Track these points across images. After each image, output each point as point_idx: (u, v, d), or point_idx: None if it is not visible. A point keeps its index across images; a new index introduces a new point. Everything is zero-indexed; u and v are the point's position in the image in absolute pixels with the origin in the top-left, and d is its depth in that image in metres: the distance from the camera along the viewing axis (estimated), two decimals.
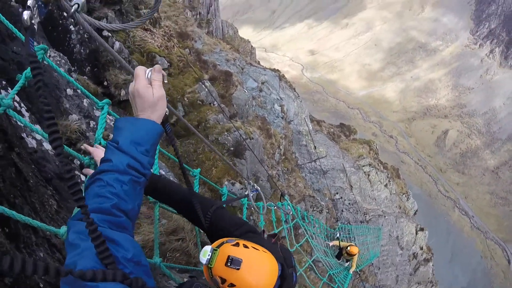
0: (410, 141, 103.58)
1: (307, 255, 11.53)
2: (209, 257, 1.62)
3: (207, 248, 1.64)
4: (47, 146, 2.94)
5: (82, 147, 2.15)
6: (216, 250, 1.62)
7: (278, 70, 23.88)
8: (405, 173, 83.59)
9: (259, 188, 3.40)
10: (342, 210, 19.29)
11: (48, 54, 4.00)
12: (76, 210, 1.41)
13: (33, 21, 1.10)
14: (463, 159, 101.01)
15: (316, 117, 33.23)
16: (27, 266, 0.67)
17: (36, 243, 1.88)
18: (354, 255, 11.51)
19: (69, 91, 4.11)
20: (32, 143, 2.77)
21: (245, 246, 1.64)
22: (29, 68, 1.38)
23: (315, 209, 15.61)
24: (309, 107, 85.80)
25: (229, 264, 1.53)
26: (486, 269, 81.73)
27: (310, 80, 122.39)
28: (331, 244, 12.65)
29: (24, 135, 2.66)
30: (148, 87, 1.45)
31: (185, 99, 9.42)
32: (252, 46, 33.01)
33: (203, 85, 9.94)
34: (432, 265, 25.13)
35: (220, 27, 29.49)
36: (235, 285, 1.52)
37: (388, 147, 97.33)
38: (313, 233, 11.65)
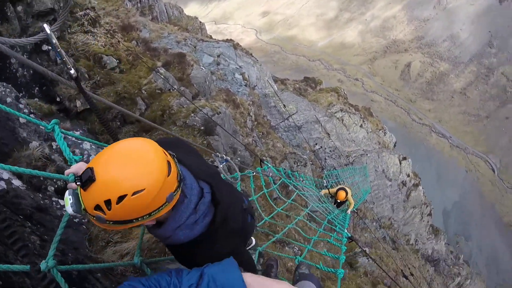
0: (375, 80, 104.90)
1: (303, 208, 11.78)
2: (71, 201, 1.40)
3: (66, 195, 1.42)
4: (17, 182, 2.86)
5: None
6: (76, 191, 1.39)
7: (231, 40, 23.54)
8: (377, 110, 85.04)
9: (228, 159, 3.34)
10: (325, 159, 19.67)
11: None
12: None
13: None
14: (430, 86, 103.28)
15: (279, 76, 33.23)
16: None
17: (32, 284, 1.88)
18: (345, 200, 11.55)
19: (22, 120, 3.94)
20: (1, 185, 2.66)
21: None
22: None
23: (299, 164, 15.75)
24: (270, 68, 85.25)
25: (83, 186, 1.29)
26: (474, 181, 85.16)
27: (267, 42, 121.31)
28: (323, 193, 12.69)
29: None
30: None
31: (143, 91, 9.06)
32: (200, 22, 32.26)
33: (157, 73, 9.65)
34: (422, 188, 26.03)
35: (164, 10, 28.56)
36: (109, 199, 1.27)
37: (356, 89, 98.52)
38: (302, 187, 11.81)
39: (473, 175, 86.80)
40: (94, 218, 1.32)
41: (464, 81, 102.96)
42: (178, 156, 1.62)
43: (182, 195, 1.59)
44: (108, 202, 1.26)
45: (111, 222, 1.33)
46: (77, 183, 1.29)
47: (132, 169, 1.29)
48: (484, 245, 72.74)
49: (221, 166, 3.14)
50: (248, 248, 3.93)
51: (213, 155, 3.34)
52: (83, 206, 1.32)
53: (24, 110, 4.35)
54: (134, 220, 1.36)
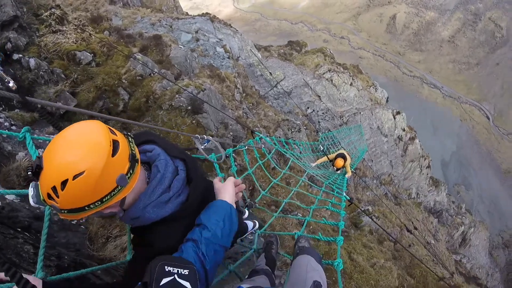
0: (362, 36, 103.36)
1: (302, 174, 11.52)
2: (32, 193, 1.34)
3: (29, 188, 1.37)
4: (10, 196, 2.90)
5: None
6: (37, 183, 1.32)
7: (208, 13, 22.72)
8: (366, 66, 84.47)
9: (210, 138, 3.10)
10: (319, 121, 19.31)
11: None
12: None
13: None
14: (418, 37, 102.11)
15: (263, 44, 32.43)
16: None
17: None
18: (343, 166, 11.31)
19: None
20: None
21: None
22: None
23: (293, 130, 15.50)
24: (253, 37, 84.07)
25: (34, 176, 1.27)
26: (469, 130, 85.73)
27: (246, 11, 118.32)
28: (319, 162, 12.36)
29: None
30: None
31: (124, 81, 8.80)
32: (174, 0, 31.27)
33: (135, 60, 9.30)
34: (419, 141, 25.93)
35: None
36: (54, 185, 1.22)
37: (342, 48, 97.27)
38: (297, 155, 11.54)
39: (468, 124, 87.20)
40: (52, 209, 1.31)
41: (452, 29, 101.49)
42: (150, 138, 1.70)
43: (156, 170, 1.57)
44: (54, 189, 1.22)
45: (65, 211, 1.29)
46: (29, 174, 1.26)
47: (73, 152, 1.25)
48: (484, 193, 73.79)
49: (202, 147, 2.90)
50: (250, 231, 3.95)
51: (192, 137, 2.98)
52: (41, 197, 1.28)
53: (5, 124, 4.53)
54: (86, 208, 1.30)
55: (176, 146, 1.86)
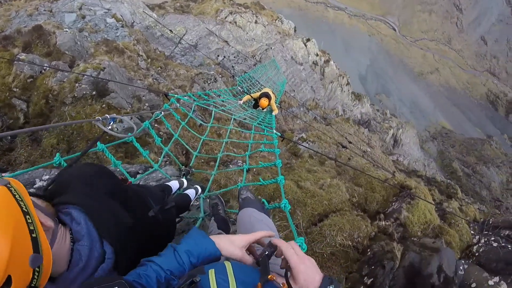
0: None
1: (227, 123, 11.23)
2: None
3: None
4: None
5: None
6: None
7: None
8: (268, 1, 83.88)
9: (114, 115, 2.74)
10: (232, 66, 18.88)
11: None
12: None
13: None
14: None
15: (156, 1, 30.62)
16: None
17: None
18: (268, 105, 11.04)
19: None
20: None
21: None
22: None
23: (209, 82, 15.08)
24: None
25: None
26: (379, 43, 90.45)
27: None
28: (242, 101, 12.03)
29: None
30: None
31: (15, 89, 7.75)
32: None
33: (19, 62, 8.16)
34: (334, 63, 26.55)
35: None
36: None
37: None
38: (220, 102, 11.13)
39: (377, 38, 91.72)
40: None
41: None
42: (83, 202, 1.38)
43: (77, 256, 1.25)
44: None
45: None
46: None
47: None
48: (403, 96, 79.35)
49: (109, 128, 2.61)
50: (193, 199, 3.86)
51: (93, 122, 2.46)
52: None
53: None
54: None
55: (119, 213, 1.55)
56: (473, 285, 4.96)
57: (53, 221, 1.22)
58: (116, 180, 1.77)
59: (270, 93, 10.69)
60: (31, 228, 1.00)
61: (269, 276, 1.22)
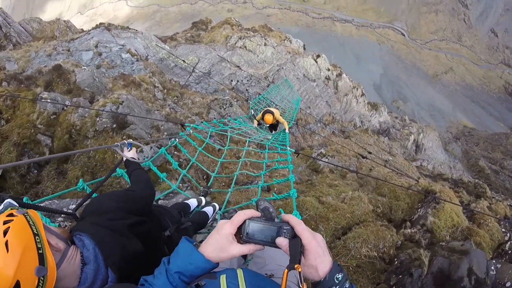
0: None
1: (245, 145, 11.42)
2: None
3: None
4: None
5: None
6: None
7: (102, 23, 21.56)
8: (276, 23, 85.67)
9: (131, 141, 3.00)
10: (246, 89, 19.21)
11: None
12: None
13: None
14: None
15: (168, 34, 31.49)
16: None
17: None
18: (275, 121, 11.09)
19: None
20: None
21: None
22: None
23: (225, 107, 15.31)
24: (156, 31, 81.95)
25: None
26: (389, 50, 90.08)
27: (141, 6, 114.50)
28: (254, 125, 12.18)
29: None
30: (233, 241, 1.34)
31: (39, 126, 8.11)
32: (64, 21, 29.45)
33: (42, 100, 8.60)
34: (346, 75, 26.60)
35: (22, 29, 25.46)
36: None
37: (248, 12, 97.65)
38: (235, 128, 11.36)
39: (387, 45, 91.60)
40: None
41: None
42: (94, 230, 1.58)
43: (84, 277, 1.47)
44: None
45: None
46: None
47: None
48: (421, 100, 78.33)
49: (127, 154, 2.79)
50: (212, 216, 4.05)
51: (112, 148, 2.95)
52: None
53: None
54: None
55: (124, 240, 1.69)
56: (508, 284, 4.91)
57: (65, 244, 1.47)
58: (135, 206, 1.95)
59: (271, 109, 10.81)
60: (39, 246, 1.25)
61: (295, 266, 1.16)
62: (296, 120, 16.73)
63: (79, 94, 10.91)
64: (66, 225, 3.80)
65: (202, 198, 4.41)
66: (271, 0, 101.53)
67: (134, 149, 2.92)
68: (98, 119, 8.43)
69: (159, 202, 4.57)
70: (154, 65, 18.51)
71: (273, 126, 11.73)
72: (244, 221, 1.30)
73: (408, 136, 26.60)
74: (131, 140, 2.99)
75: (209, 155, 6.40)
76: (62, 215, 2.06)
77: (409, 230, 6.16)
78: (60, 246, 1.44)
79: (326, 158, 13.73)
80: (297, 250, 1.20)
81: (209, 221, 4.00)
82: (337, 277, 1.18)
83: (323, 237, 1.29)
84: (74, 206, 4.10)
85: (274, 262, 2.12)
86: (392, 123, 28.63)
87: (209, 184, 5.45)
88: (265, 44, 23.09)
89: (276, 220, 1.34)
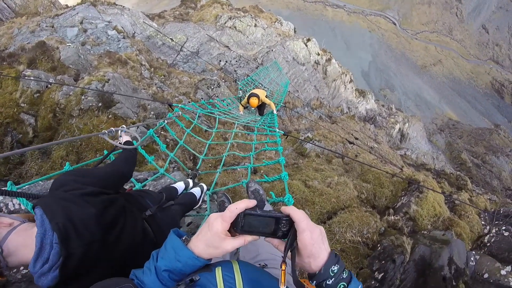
0: None
1: (233, 127, 11.28)
2: None
3: None
4: None
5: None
6: None
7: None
8: (267, 4, 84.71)
9: (124, 127, 2.98)
10: (235, 70, 18.96)
11: None
12: None
13: None
14: None
15: (156, 11, 30.80)
16: None
17: None
18: (260, 103, 10.88)
19: None
20: None
21: None
22: None
23: (212, 87, 15.11)
24: (144, 7, 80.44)
25: None
26: (380, 39, 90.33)
27: None
28: (241, 111, 11.93)
29: None
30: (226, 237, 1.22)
31: (22, 105, 7.89)
32: None
33: (25, 78, 8.38)
34: (335, 61, 26.49)
35: (4, 5, 24.42)
36: None
37: None
38: (225, 110, 11.19)
39: (377, 33, 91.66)
40: None
41: None
42: (43, 201, 1.60)
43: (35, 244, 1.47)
44: None
45: None
46: None
47: None
48: (408, 90, 79.06)
49: (118, 142, 2.77)
50: (200, 197, 4.01)
51: (99, 135, 2.86)
52: None
53: None
54: None
55: (63, 207, 1.62)
56: (485, 275, 4.97)
57: (20, 222, 1.57)
58: (95, 180, 1.92)
59: (256, 92, 10.60)
60: None
61: (282, 264, 1.15)
62: (284, 103, 16.62)
63: (63, 71, 10.64)
64: None
65: (190, 180, 4.34)
66: None
67: (123, 134, 2.90)
68: (83, 97, 8.27)
69: (147, 185, 4.47)
70: (141, 43, 18.10)
71: (260, 108, 11.55)
72: (238, 215, 1.20)
73: (394, 125, 26.83)
74: (124, 126, 2.96)
75: (197, 137, 6.28)
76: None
77: (392, 217, 6.19)
78: (7, 221, 1.53)
79: (313, 142, 13.72)
80: (291, 245, 1.19)
81: (198, 202, 3.94)
82: (333, 269, 1.15)
83: (323, 231, 1.23)
84: None
85: (267, 251, 2.09)
86: (379, 111, 28.81)
87: (197, 167, 5.36)
88: (255, 25, 22.75)
89: (266, 203, 1.27)
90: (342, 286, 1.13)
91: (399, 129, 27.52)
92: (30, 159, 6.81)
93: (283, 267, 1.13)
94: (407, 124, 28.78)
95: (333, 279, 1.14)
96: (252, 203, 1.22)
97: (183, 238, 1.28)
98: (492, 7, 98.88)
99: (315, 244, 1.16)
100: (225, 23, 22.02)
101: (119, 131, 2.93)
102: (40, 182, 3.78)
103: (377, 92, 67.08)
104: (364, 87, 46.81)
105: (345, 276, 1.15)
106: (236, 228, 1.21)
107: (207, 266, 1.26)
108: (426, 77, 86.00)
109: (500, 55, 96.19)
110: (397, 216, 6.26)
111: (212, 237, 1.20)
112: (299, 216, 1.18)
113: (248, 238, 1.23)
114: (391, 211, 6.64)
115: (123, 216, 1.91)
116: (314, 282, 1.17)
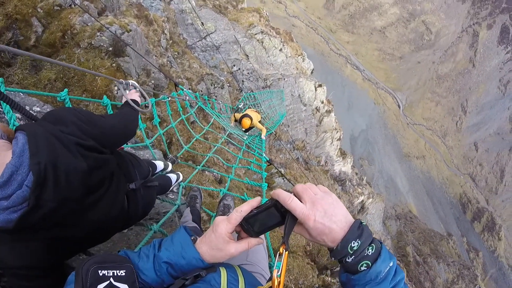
0: (299, 4, 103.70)
1: (221, 131, 11.37)
2: None
3: None
4: None
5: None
6: None
7: None
8: (298, 36, 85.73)
9: (135, 83, 2.70)
10: (243, 81, 19.22)
11: None
12: None
13: None
14: (352, 20, 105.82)
15: None
16: None
17: None
18: (251, 127, 10.68)
19: None
20: None
21: None
22: None
23: (216, 86, 15.22)
24: None
25: None
26: (380, 113, 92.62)
27: None
28: (232, 123, 11.84)
29: None
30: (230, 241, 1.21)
31: (39, 10, 7.41)
32: None
33: None
34: (334, 115, 27.09)
35: None
36: None
37: (278, 12, 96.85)
38: (218, 114, 11.32)
39: (380, 108, 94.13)
40: None
41: (386, 21, 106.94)
42: (31, 128, 1.36)
43: (3, 171, 1.23)
44: None
45: None
46: None
47: None
48: (384, 169, 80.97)
49: (130, 95, 2.53)
50: (174, 184, 3.89)
51: (115, 82, 2.64)
52: None
53: None
54: None
55: (55, 147, 1.40)
56: None
57: None
58: (95, 131, 1.68)
59: (252, 113, 10.70)
60: None
61: (280, 248, 1.07)
62: (275, 132, 16.92)
63: (92, 0, 10.49)
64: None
65: (169, 163, 4.34)
66: (303, 14, 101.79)
67: (133, 91, 2.64)
68: (98, 33, 7.94)
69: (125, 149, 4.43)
70: (172, 12, 18.19)
71: (248, 130, 11.65)
72: (244, 219, 1.19)
73: (359, 195, 27.43)
74: (135, 83, 2.70)
75: (189, 128, 6.38)
76: (22, 113, 1.83)
77: (329, 278, 6.40)
78: None
79: (283, 179, 13.98)
80: (289, 229, 1.10)
81: (171, 188, 3.85)
82: (352, 246, 1.02)
83: (329, 200, 1.12)
84: (39, 109, 3.74)
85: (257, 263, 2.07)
86: (351, 177, 29.43)
87: (178, 155, 5.43)
88: (280, 50, 23.18)
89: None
90: (365, 265, 1.00)
91: (362, 201, 28.15)
92: (18, 65, 6.47)
93: (281, 250, 1.07)
94: (371, 199, 29.48)
95: (352, 257, 1.02)
96: (256, 202, 1.20)
97: (192, 238, 1.26)
98: (490, 130, 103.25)
99: (319, 224, 1.05)
100: (256, 34, 22.35)
101: (129, 84, 2.67)
102: (21, 94, 3.60)
103: (356, 160, 68.47)
104: (347, 149, 47.84)
105: (369, 253, 1.01)
106: (251, 234, 1.20)
107: (212, 267, 1.25)
108: (406, 165, 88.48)
109: (479, 174, 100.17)
110: (333, 279, 6.49)
111: (216, 239, 1.19)
112: (283, 196, 1.12)
113: (253, 242, 1.21)
114: (328, 272, 6.87)
115: (109, 182, 1.73)
116: (333, 258, 1.07)
